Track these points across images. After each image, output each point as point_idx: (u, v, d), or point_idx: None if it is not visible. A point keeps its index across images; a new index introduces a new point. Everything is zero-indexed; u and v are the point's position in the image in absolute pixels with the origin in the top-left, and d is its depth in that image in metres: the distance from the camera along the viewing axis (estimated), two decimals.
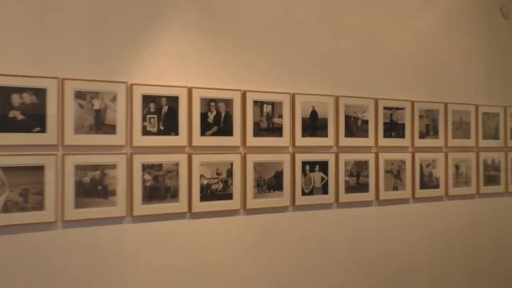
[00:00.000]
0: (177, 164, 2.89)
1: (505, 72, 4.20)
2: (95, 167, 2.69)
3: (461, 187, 3.93)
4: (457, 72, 3.97)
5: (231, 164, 3.04)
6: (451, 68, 3.94)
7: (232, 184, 3.04)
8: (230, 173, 3.03)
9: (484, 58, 4.09)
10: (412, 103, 3.72)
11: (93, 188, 2.67)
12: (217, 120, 3.00)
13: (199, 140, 2.95)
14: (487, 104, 4.08)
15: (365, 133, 3.51)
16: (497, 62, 4.16)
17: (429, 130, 3.79)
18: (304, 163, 3.27)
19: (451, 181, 3.88)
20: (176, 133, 2.89)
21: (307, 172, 3.29)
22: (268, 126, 3.16)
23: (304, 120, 3.28)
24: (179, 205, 2.89)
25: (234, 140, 3.05)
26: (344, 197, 3.41)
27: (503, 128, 4.17)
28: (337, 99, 3.41)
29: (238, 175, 3.06)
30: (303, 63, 3.31)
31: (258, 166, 3.12)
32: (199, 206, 2.95)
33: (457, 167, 3.91)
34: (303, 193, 3.27)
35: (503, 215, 4.17)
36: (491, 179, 4.11)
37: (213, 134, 2.99)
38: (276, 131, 3.19)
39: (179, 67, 2.92)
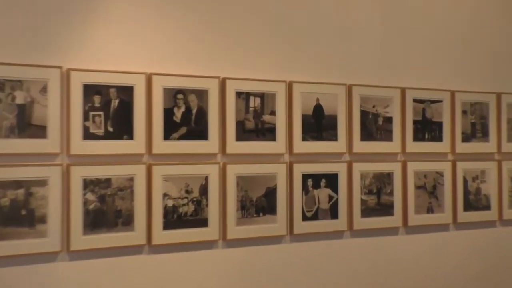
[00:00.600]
0: (131, 179, 2.84)
1: None
2: (17, 185, 2.63)
3: None
4: None
5: (206, 178, 2.99)
6: (506, 47, 3.91)
7: (207, 205, 2.99)
8: (204, 190, 2.99)
9: None
10: (452, 93, 3.68)
11: (14, 213, 2.61)
12: (186, 118, 2.96)
13: (162, 146, 2.91)
14: None
15: (388, 135, 3.47)
16: None
17: (476, 130, 3.76)
18: (305, 177, 3.23)
19: (506, 200, 3.84)
20: (130, 137, 2.85)
21: (310, 188, 3.24)
22: (256, 127, 3.12)
23: (305, 118, 3.24)
24: (135, 236, 2.84)
25: (209, 145, 3.01)
26: (361, 222, 3.37)
27: None
28: (350, 89, 3.37)
29: (216, 193, 3.02)
30: (303, 42, 3.27)
31: (242, 180, 3.07)
32: (162, 236, 2.90)
33: None
34: (305, 218, 3.23)
35: None
36: None
37: (181, 137, 2.95)
38: (267, 133, 3.15)
39: (134, 48, 2.88)
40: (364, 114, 3.40)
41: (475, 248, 3.76)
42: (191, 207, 2.96)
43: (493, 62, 3.86)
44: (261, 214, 3.12)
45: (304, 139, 3.23)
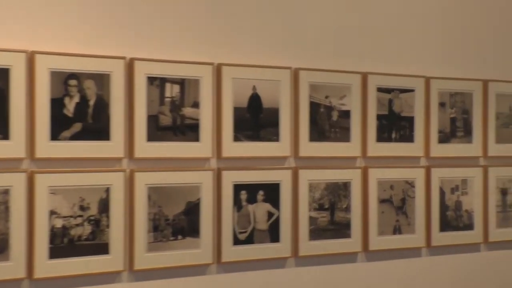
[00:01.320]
0: (6, 192, 2.93)
1: None
2: None
3: (511, 227, 4.26)
4: (506, 31, 4.30)
5: (107, 190, 3.14)
6: (494, 24, 4.26)
7: (108, 226, 3.13)
8: (105, 206, 3.13)
9: None
10: (427, 80, 3.98)
11: None
12: (81, 111, 3.08)
13: (48, 147, 3.02)
14: None
15: (345, 134, 3.72)
16: None
17: (457, 128, 4.07)
18: (238, 188, 3.44)
19: (494, 217, 4.18)
20: (5, 136, 2.94)
21: (244, 203, 3.46)
22: (173, 122, 3.29)
23: (238, 112, 3.44)
24: (13, 267, 2.94)
25: (112, 147, 3.15)
26: (309, 246, 3.61)
27: None
28: (296, 74, 3.60)
29: (120, 210, 3.16)
30: (236, 14, 3.48)
31: (156, 193, 3.24)
32: (48, 267, 3.00)
33: (504, 192, 4.23)
34: (237, 241, 3.43)
35: None
36: None
37: (75, 137, 3.06)
38: (188, 130, 3.33)
39: (11, 19, 2.97)
40: (314, 106, 3.63)
41: (454, 278, 4.08)
42: (87, 229, 3.08)
43: (477, 42, 4.20)
44: (179, 236, 3.30)
45: (236, 139, 3.43)
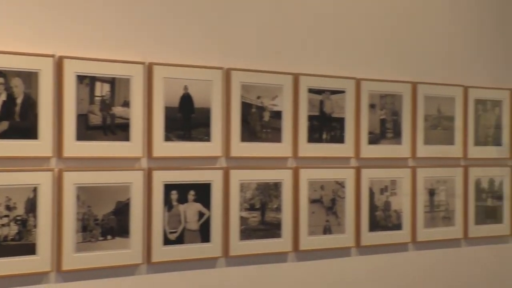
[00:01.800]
0: None
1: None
2: None
3: (439, 227, 4.37)
4: (436, 34, 4.40)
5: (35, 190, 3.11)
6: (422, 27, 4.36)
7: (35, 226, 3.11)
8: (32, 206, 3.10)
9: (478, 15, 4.57)
10: (358, 82, 4.05)
11: None
12: (8, 110, 3.05)
13: None
14: (483, 86, 4.56)
15: (276, 135, 3.77)
16: (501, 15, 4.65)
17: (386, 129, 4.16)
18: (168, 188, 3.45)
19: (422, 217, 4.29)
20: None
21: (174, 203, 3.47)
22: (103, 122, 3.29)
23: (169, 112, 3.45)
24: None
25: (40, 146, 3.13)
26: (239, 246, 3.64)
27: (509, 127, 4.67)
28: (228, 75, 3.63)
29: (48, 210, 3.14)
30: (167, 13, 3.49)
31: (85, 193, 3.23)
32: None
33: (432, 192, 4.34)
34: (167, 241, 3.44)
35: (508, 276, 4.69)
36: (488, 214, 4.59)
37: (1, 135, 3.03)
38: (119, 130, 3.32)
39: None
40: (246, 107, 3.67)
41: (383, 277, 4.16)
42: (13, 229, 3.05)
43: (407, 45, 4.29)
44: (109, 237, 3.29)
45: (167, 138, 3.44)
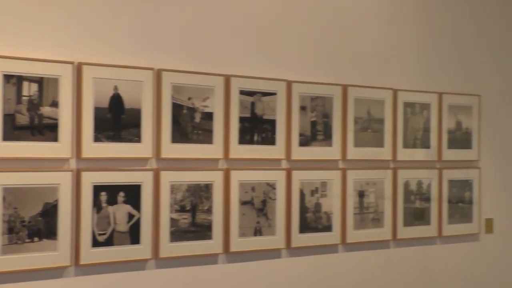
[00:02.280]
0: None
1: (441, 40, 4.84)
2: None
3: (368, 228, 4.44)
4: (366, 38, 4.48)
5: None
6: (353, 30, 4.44)
7: None
8: None
9: (407, 20, 4.68)
10: (289, 84, 4.10)
11: None
12: None
13: None
14: (412, 89, 4.66)
15: (207, 136, 3.78)
16: (428, 20, 4.77)
17: (317, 131, 4.21)
18: (97, 189, 3.43)
19: (351, 218, 4.35)
20: None
21: (104, 204, 3.46)
22: (31, 122, 3.25)
23: (99, 112, 3.44)
24: None
25: None
26: (170, 248, 3.65)
27: (437, 129, 4.78)
28: (158, 75, 3.63)
29: None
30: (98, 12, 3.48)
31: (11, 194, 3.20)
32: None
33: (361, 194, 4.41)
34: (96, 243, 3.43)
35: (436, 276, 4.79)
36: (416, 215, 4.69)
37: None
38: (47, 130, 3.30)
39: None
40: (177, 108, 3.67)
41: (313, 278, 4.21)
42: None
43: (337, 47, 4.35)
44: (36, 239, 3.26)
45: (96, 139, 3.43)
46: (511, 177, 5.22)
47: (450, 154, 4.84)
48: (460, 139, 4.89)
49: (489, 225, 5.07)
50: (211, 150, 3.80)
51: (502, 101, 5.16)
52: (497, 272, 5.11)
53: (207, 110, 3.77)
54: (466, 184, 4.92)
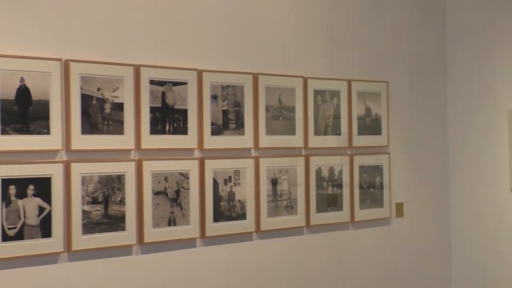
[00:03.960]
0: None
1: (349, 28, 4.97)
2: None
3: (281, 215, 4.51)
4: (276, 26, 4.55)
5: None
6: (265, 21, 4.51)
7: None
8: None
9: (318, 7, 4.77)
10: (200, 73, 4.14)
11: None
12: None
13: None
14: (322, 77, 4.76)
15: (118, 127, 3.79)
16: (336, 8, 4.88)
17: (229, 120, 4.26)
18: (6, 182, 3.41)
19: (265, 206, 4.42)
20: None
21: (13, 198, 3.43)
22: None
23: (5, 104, 3.40)
24: None
25: None
26: (82, 240, 3.64)
27: (347, 116, 4.90)
28: (66, 66, 3.62)
29: None
30: (2, 1, 3.44)
31: None
32: None
33: (274, 182, 4.48)
34: (5, 237, 3.40)
35: (349, 260, 4.92)
36: (329, 201, 4.79)
37: None
38: None
39: None
40: (86, 99, 3.67)
41: (228, 266, 4.27)
42: None
43: (249, 35, 4.40)
44: None
45: (4, 132, 3.40)
46: (419, 162, 5.40)
47: (361, 140, 4.96)
48: (370, 125, 5.02)
49: (399, 209, 5.23)
50: (123, 141, 3.80)
51: (409, 87, 5.32)
52: (408, 254, 5.27)
53: (117, 100, 3.77)
54: (377, 170, 5.06)
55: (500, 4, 5.40)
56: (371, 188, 5.03)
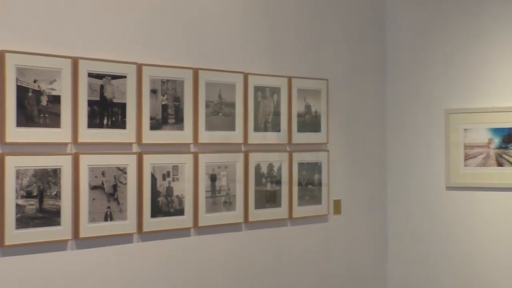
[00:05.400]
0: None
1: (290, 26, 4.96)
2: None
3: (220, 211, 4.50)
4: (218, 22, 4.53)
5: None
6: (206, 16, 4.48)
7: None
8: None
9: (260, 2, 4.78)
10: (139, 67, 4.09)
11: None
12: None
13: None
14: (263, 73, 4.76)
15: (55, 120, 3.72)
16: (277, 5, 4.88)
17: (168, 115, 4.22)
18: None
19: (204, 202, 4.40)
20: None
21: None
22: None
23: None
24: None
25: None
26: (15, 235, 3.57)
27: (287, 113, 4.90)
28: (2, 57, 3.54)
29: None
30: None
31: None
32: None
33: (213, 178, 4.46)
34: None
35: (287, 257, 4.92)
36: (268, 198, 4.80)
37: None
38: None
39: None
40: (21, 91, 3.59)
41: (166, 262, 4.24)
42: None
43: (189, 30, 4.38)
44: None
45: None
46: (358, 160, 5.45)
47: (300, 137, 4.98)
48: (310, 122, 5.04)
49: (337, 206, 5.27)
50: (59, 134, 3.73)
51: (348, 85, 5.36)
52: (345, 251, 5.32)
53: (54, 93, 3.70)
54: (316, 167, 5.09)
55: (439, 5, 5.49)
56: (310, 185, 5.05)
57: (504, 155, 5.22)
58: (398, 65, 5.64)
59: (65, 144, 3.77)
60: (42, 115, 3.66)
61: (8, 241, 3.52)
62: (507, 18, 5.24)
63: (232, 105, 4.55)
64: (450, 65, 5.44)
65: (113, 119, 3.96)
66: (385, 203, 5.66)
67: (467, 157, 5.34)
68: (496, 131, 5.25)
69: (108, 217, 3.92)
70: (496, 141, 5.25)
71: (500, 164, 5.23)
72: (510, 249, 5.19)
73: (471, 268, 5.33)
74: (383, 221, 5.64)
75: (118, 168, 3.97)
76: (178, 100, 4.26)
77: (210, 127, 4.43)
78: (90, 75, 3.85)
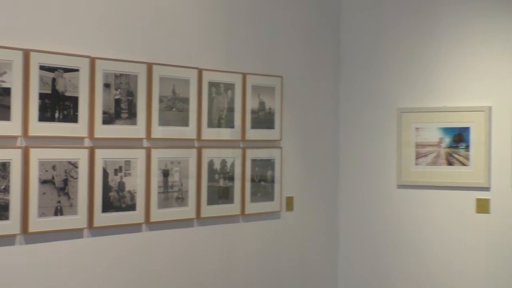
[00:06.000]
0: None
1: (245, 22, 4.95)
2: None
3: (172, 207, 4.47)
4: (173, 17, 4.50)
5: None
6: (162, 10, 4.45)
7: None
8: None
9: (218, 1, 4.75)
10: (93, 60, 4.05)
11: None
12: None
13: None
14: (217, 69, 4.74)
15: (5, 113, 3.65)
16: (232, 2, 4.86)
17: (121, 109, 4.18)
18: None
19: (156, 197, 4.37)
20: None
21: None
22: None
23: None
24: None
25: None
26: None
27: (241, 110, 4.89)
28: None
29: None
30: None
31: None
32: None
33: (166, 173, 4.43)
34: None
35: (239, 254, 4.91)
36: (220, 194, 4.79)
37: None
38: None
39: None
40: None
41: (116, 258, 4.19)
42: None
43: (143, 25, 4.34)
44: None
45: None
46: (310, 157, 5.47)
47: (254, 134, 4.98)
48: (263, 119, 5.04)
49: (289, 203, 5.28)
50: (9, 127, 3.66)
51: (302, 82, 5.38)
52: (296, 247, 5.34)
53: (4, 85, 3.63)
54: (269, 164, 5.09)
55: (392, 5, 5.53)
56: (263, 182, 5.05)
57: (454, 154, 5.28)
58: (352, 64, 5.67)
59: (15, 137, 3.70)
60: None
61: None
62: (458, 19, 5.30)
63: (186, 100, 4.52)
64: (403, 65, 5.49)
65: (65, 112, 3.90)
66: (337, 200, 5.69)
67: (418, 156, 5.40)
68: (447, 130, 5.31)
69: (58, 211, 3.87)
70: (447, 140, 5.32)
71: (450, 163, 5.30)
72: (458, 246, 5.26)
73: (420, 265, 5.39)
74: (335, 218, 5.67)
75: (69, 163, 3.92)
76: (131, 95, 4.22)
77: (163, 122, 4.39)
78: (42, 67, 3.78)
